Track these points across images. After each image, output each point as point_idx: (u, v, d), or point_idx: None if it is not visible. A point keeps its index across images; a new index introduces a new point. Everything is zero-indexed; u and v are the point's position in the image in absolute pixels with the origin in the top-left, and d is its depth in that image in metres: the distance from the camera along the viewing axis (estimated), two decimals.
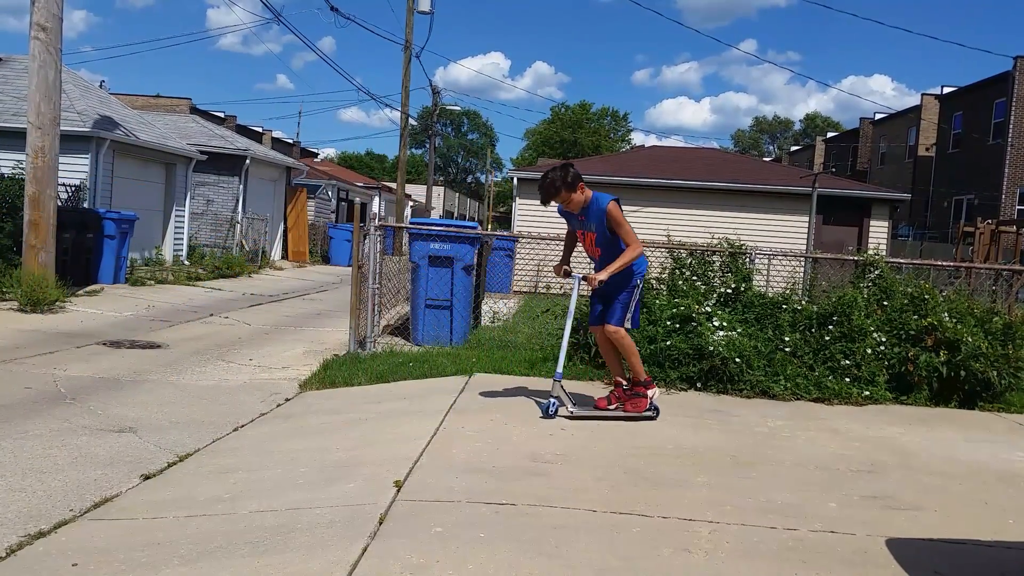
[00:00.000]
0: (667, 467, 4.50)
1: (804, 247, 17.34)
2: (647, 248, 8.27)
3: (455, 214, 62.76)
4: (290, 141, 47.17)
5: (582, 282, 5.62)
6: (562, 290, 8.69)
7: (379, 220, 8.59)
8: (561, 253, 6.00)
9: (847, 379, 6.65)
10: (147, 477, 4.33)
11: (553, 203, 5.53)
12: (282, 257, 24.89)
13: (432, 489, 3.87)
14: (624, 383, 5.70)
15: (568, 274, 5.77)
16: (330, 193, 32.29)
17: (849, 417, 6.05)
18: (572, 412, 5.50)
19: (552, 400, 5.48)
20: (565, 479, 4.16)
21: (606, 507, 3.74)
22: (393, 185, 37.14)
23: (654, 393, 5.62)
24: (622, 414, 5.57)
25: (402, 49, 26.62)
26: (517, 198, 18.99)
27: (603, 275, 5.32)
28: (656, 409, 5.62)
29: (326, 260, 26.64)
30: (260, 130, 45.09)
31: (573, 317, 5.73)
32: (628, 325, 5.52)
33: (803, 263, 9.33)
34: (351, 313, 8.13)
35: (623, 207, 5.48)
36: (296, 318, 11.88)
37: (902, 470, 4.72)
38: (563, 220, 5.80)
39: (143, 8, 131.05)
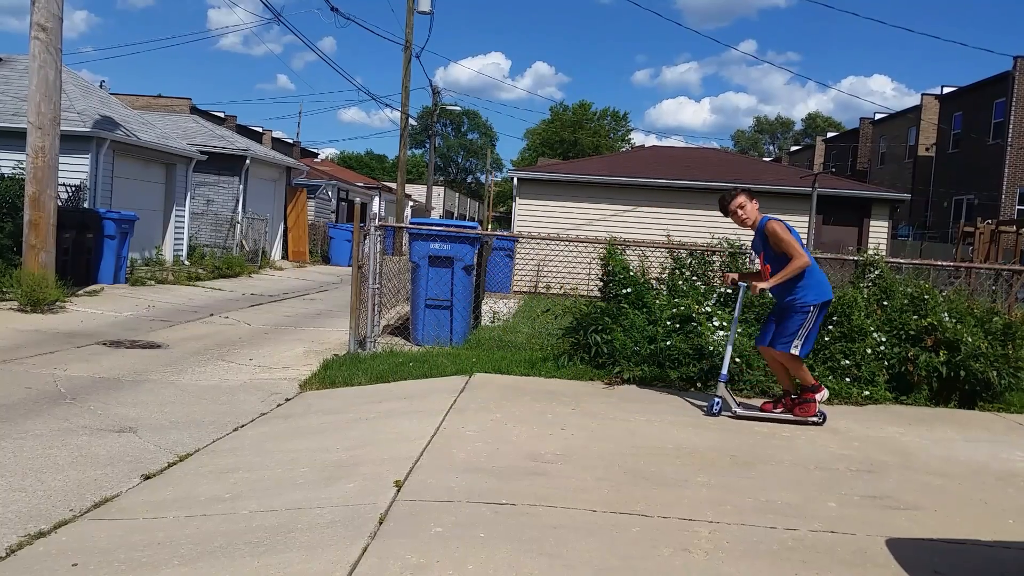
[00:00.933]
0: (667, 467, 4.50)
1: None
2: (649, 248, 8.31)
3: (455, 214, 62.74)
4: (290, 141, 47.16)
5: (747, 290, 5.89)
6: (562, 290, 8.68)
7: (379, 220, 8.59)
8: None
9: (847, 379, 6.65)
10: (147, 477, 4.33)
11: (731, 219, 5.88)
12: (282, 257, 24.89)
13: (432, 489, 3.87)
14: (794, 395, 5.79)
15: (735, 282, 6.07)
16: (330, 193, 32.29)
17: (849, 417, 6.05)
18: (736, 412, 5.75)
19: (716, 399, 5.79)
20: (565, 479, 4.16)
21: (606, 507, 3.75)
22: (393, 185, 37.14)
23: (822, 396, 5.72)
24: (790, 418, 5.71)
25: (402, 49, 26.62)
26: (517, 198, 18.95)
27: (766, 284, 5.60)
28: (823, 415, 5.72)
29: (326, 260, 26.64)
30: (260, 130, 45.09)
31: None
32: (797, 352, 5.60)
33: None
34: (351, 313, 8.14)
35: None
36: (296, 318, 11.88)
37: (902, 470, 4.72)
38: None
39: (143, 8, 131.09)
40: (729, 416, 5.73)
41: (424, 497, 3.76)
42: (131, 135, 16.35)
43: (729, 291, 7.35)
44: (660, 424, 5.51)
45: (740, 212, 5.83)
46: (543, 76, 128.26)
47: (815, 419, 5.70)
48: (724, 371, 5.86)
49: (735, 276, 6.10)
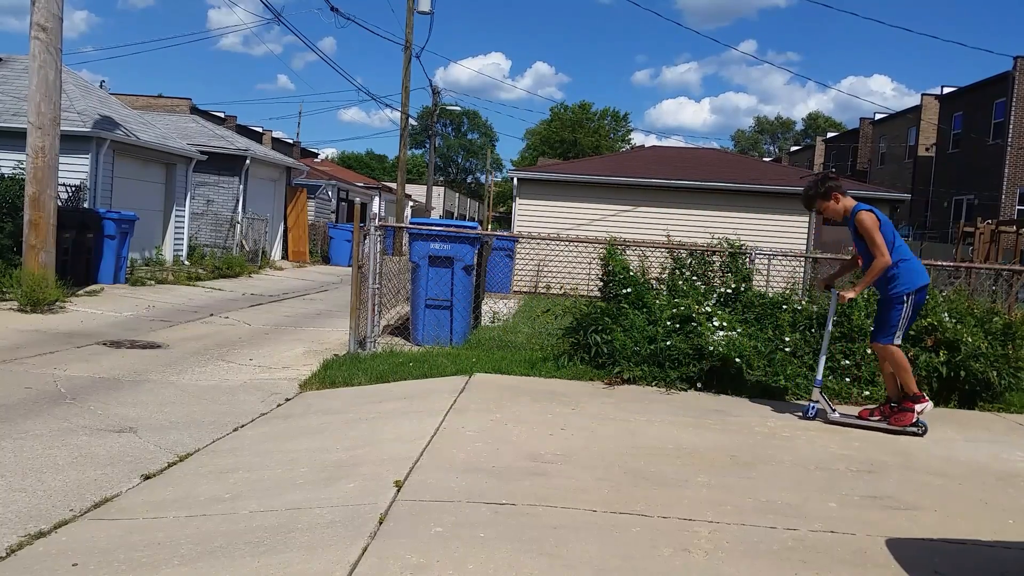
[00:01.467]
0: (667, 467, 4.50)
1: (804, 247, 17.33)
2: (649, 248, 8.31)
3: (455, 214, 62.74)
4: (290, 141, 47.18)
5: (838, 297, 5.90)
6: (562, 290, 8.68)
7: (379, 220, 8.58)
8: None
9: (847, 379, 6.65)
10: (147, 477, 4.33)
11: (816, 211, 5.91)
12: (282, 257, 24.89)
13: (432, 489, 3.87)
14: (894, 403, 5.72)
15: (828, 287, 6.12)
16: (330, 193, 32.29)
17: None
18: (831, 418, 5.75)
19: (812, 404, 5.84)
20: (565, 479, 4.16)
21: (606, 507, 3.75)
22: (393, 185, 37.13)
23: (923, 408, 5.59)
24: (885, 426, 5.64)
25: (402, 49, 26.62)
26: (517, 198, 18.95)
27: (851, 293, 5.65)
28: (923, 426, 5.59)
29: (326, 260, 26.65)
30: (260, 130, 45.11)
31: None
32: (898, 342, 5.59)
33: (803, 263, 9.33)
34: (351, 313, 8.13)
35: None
36: (296, 318, 11.88)
37: (902, 470, 4.72)
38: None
39: (143, 8, 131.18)
40: (823, 422, 5.72)
41: (424, 497, 3.76)
42: (131, 135, 16.35)
43: (729, 291, 7.35)
44: (660, 424, 5.51)
45: (825, 213, 5.80)
46: (543, 76, 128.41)
47: (913, 429, 5.55)
48: (819, 377, 5.86)
49: (827, 280, 6.12)
